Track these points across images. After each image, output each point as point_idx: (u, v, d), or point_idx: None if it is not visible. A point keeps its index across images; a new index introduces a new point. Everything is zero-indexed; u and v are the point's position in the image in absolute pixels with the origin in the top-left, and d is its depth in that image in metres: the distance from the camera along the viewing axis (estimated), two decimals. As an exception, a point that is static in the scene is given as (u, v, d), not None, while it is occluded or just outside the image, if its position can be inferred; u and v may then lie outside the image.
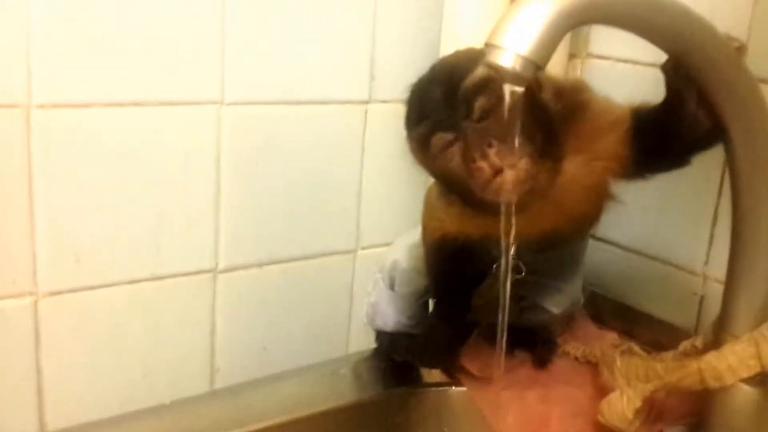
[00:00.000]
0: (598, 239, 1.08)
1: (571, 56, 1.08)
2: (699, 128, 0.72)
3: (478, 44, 0.76)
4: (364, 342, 1.08)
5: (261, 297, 1.07)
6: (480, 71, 0.67)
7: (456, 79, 0.69)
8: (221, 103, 0.97)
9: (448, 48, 1.00)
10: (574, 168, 0.74)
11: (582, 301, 0.97)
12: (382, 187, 1.14)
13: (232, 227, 1.02)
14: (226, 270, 1.03)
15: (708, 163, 0.79)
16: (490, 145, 0.67)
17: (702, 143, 0.75)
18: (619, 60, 1.02)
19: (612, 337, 0.99)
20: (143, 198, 0.95)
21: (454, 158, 0.70)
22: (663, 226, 1.03)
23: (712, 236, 0.97)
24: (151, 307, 0.99)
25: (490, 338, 0.88)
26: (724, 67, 0.70)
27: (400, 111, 0.98)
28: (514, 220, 0.67)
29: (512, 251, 0.79)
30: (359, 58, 1.06)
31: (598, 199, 0.80)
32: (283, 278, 1.08)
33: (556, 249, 0.86)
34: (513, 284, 0.81)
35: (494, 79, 0.60)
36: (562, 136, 0.71)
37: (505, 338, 0.73)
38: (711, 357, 0.75)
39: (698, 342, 0.81)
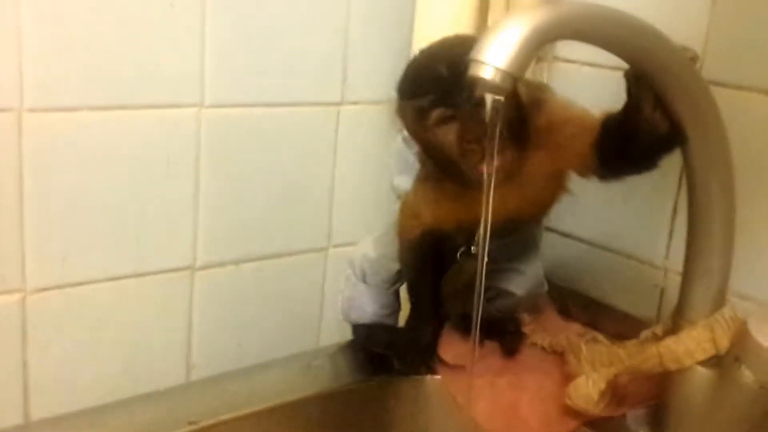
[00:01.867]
0: (563, 234, 1.12)
1: (538, 60, 1.11)
2: (658, 131, 0.76)
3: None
4: (335, 338, 1.09)
5: (236, 294, 1.09)
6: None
7: (462, 60, 0.69)
8: (201, 106, 0.98)
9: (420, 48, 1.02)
10: (535, 157, 0.79)
11: (545, 285, 0.99)
12: (353, 187, 1.16)
13: (210, 226, 1.04)
14: (204, 267, 1.06)
15: (667, 161, 0.81)
16: (485, 132, 0.70)
17: (662, 146, 0.78)
18: (584, 63, 1.05)
19: (577, 327, 1.02)
20: (126, 198, 0.97)
21: (449, 133, 0.75)
22: (625, 221, 1.05)
23: (671, 230, 0.99)
24: (132, 303, 1.01)
25: (461, 328, 0.97)
26: (679, 74, 0.75)
27: (371, 112, 1.13)
28: (491, 199, 0.72)
29: (476, 238, 0.85)
30: (332, 60, 1.08)
31: (555, 188, 0.86)
32: (258, 275, 1.11)
33: (514, 235, 0.91)
34: (476, 273, 0.84)
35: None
36: (529, 127, 0.77)
37: (478, 325, 0.77)
38: (670, 341, 0.78)
39: (658, 330, 0.84)
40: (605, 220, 1.07)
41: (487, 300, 0.91)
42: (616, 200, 1.05)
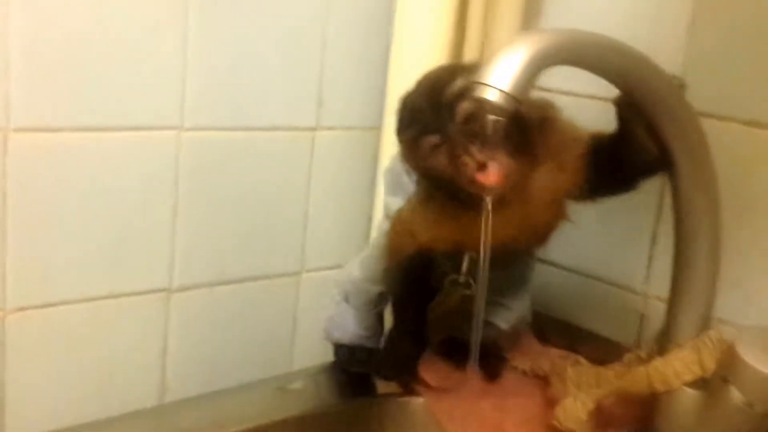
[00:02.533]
0: (542, 261, 1.11)
1: None
2: (647, 155, 0.78)
3: (440, 64, 0.87)
4: (307, 362, 1.09)
5: (211, 317, 1.09)
6: (460, 81, 0.75)
7: (439, 88, 0.75)
8: (181, 129, 0.99)
9: (396, 75, 1.06)
10: (541, 178, 0.79)
11: (529, 318, 1.00)
12: (328, 212, 1.17)
13: (187, 248, 1.04)
14: (180, 290, 1.05)
15: (646, 186, 0.83)
16: (473, 143, 0.72)
17: (649, 169, 0.81)
18: (560, 92, 1.03)
19: (557, 352, 1.01)
20: (106, 219, 0.97)
21: (441, 157, 0.75)
22: (604, 246, 1.05)
23: (651, 256, 0.99)
24: (109, 324, 1.01)
25: (444, 351, 0.97)
26: (668, 101, 0.77)
27: (346, 138, 1.15)
28: (490, 220, 0.73)
29: (464, 267, 0.87)
30: (307, 85, 1.09)
31: (555, 214, 0.85)
32: (233, 299, 1.11)
33: (507, 268, 0.91)
34: (463, 301, 0.88)
35: (474, 88, 0.65)
36: (536, 141, 0.77)
37: (477, 346, 0.79)
38: (658, 363, 0.79)
39: (642, 353, 0.85)
40: (582, 246, 1.06)
41: (470, 327, 0.88)
42: (593, 225, 1.03)
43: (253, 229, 1.10)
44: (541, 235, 0.87)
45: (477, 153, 0.72)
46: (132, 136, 0.96)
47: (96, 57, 0.91)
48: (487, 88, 0.64)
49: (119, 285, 1.00)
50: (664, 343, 0.82)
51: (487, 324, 0.93)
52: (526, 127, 0.75)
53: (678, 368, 0.79)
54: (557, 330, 1.07)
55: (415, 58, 1.03)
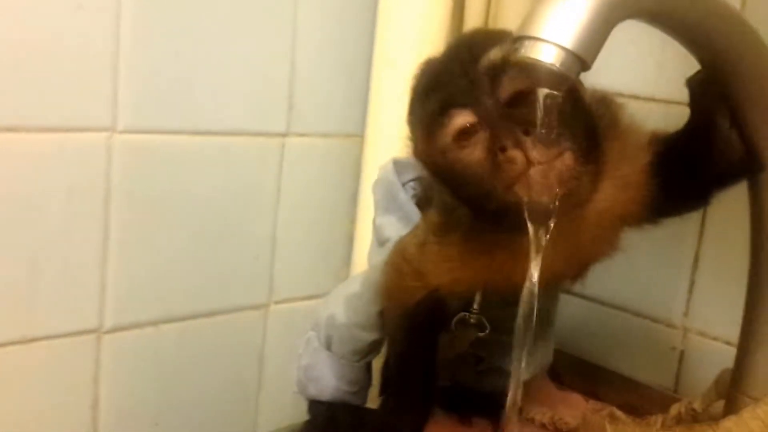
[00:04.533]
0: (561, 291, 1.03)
1: None
2: (732, 155, 0.65)
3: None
4: (276, 418, 1.06)
5: (154, 362, 1.00)
6: (506, 47, 0.56)
7: (478, 52, 0.58)
8: (113, 131, 0.91)
9: (380, 73, 1.00)
10: (601, 198, 0.63)
11: (550, 361, 0.88)
12: (300, 232, 1.09)
13: (122, 278, 0.96)
14: (113, 330, 0.96)
15: None
16: (526, 132, 0.56)
17: (732, 173, 0.67)
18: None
19: (577, 399, 0.92)
20: (14, 242, 0.88)
21: (475, 148, 0.59)
22: (634, 272, 0.97)
23: (692, 283, 0.92)
24: (23, 374, 0.91)
25: (447, 404, 0.84)
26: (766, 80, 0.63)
27: (322, 146, 1.08)
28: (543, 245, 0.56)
29: (476, 303, 0.75)
30: (275, 84, 1.02)
31: (611, 242, 0.69)
32: (182, 339, 1.02)
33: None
34: (472, 344, 0.78)
35: (519, 47, 0.49)
36: (602, 143, 0.61)
37: (516, 404, 0.64)
38: (730, 423, 0.68)
39: (697, 404, 0.76)
40: (609, 272, 0.93)
41: (478, 373, 0.82)
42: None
43: (209, 254, 1.02)
44: (583, 265, 0.72)
45: (530, 146, 0.55)
46: (51, 138, 0.87)
47: (7, 41, 0.83)
48: (540, 43, 0.47)
49: (34, 327, 0.90)
50: (733, 395, 0.71)
51: (500, 371, 0.80)
52: (591, 120, 0.60)
53: (755, 429, 0.67)
54: (577, 371, 0.99)
55: (403, 51, 0.97)
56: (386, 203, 0.83)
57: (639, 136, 0.67)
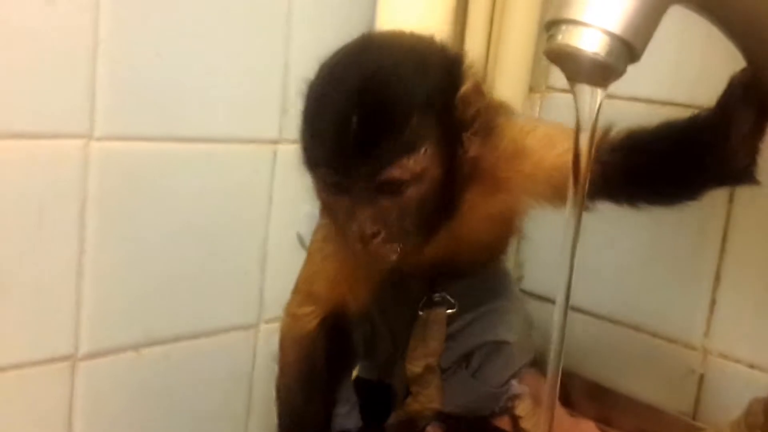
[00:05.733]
0: (573, 309, 1.04)
1: (531, 90, 1.08)
2: (736, 164, 0.67)
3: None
4: None
5: (135, 389, 0.98)
6: None
7: (351, 112, 0.65)
8: (89, 138, 0.88)
9: None
10: (474, 198, 0.73)
11: (532, 355, 0.92)
12: (293, 246, 1.05)
13: (99, 299, 0.93)
14: (90, 356, 0.93)
15: (706, 211, 0.78)
16: (376, 223, 0.66)
17: (726, 180, 0.71)
18: None
19: (589, 426, 0.92)
20: None
21: (340, 210, 0.69)
22: (649, 289, 0.98)
23: (713, 302, 0.92)
24: None
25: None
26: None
27: None
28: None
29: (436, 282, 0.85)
30: (267, 85, 1.01)
31: (500, 230, 0.82)
32: (165, 364, 1.00)
33: (471, 277, 0.86)
34: (450, 324, 0.85)
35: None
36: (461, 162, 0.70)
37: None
38: None
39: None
40: (622, 289, 1.00)
41: (486, 355, 0.89)
42: (634, 262, 0.98)
43: (193, 271, 0.99)
44: (486, 250, 0.84)
45: (367, 223, 0.66)
46: (20, 146, 0.84)
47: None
48: (581, 28, 0.44)
49: (4, 354, 0.87)
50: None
51: (494, 345, 0.89)
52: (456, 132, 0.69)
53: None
54: (589, 395, 0.99)
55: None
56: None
57: (517, 144, 0.73)
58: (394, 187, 0.65)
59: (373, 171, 0.64)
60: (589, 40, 0.43)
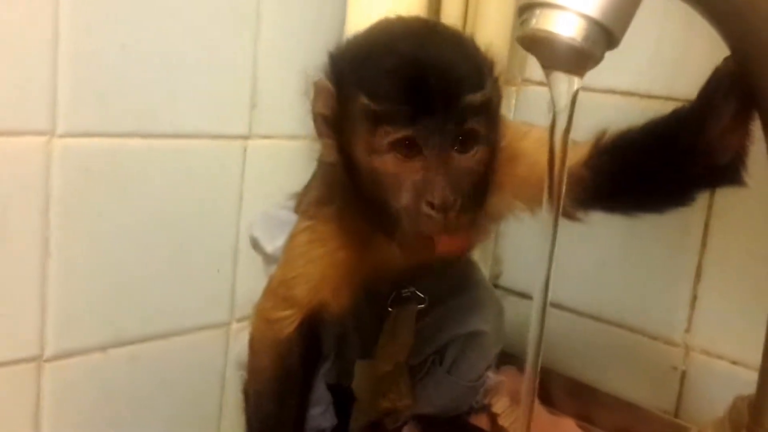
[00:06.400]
0: (553, 305, 1.00)
1: (506, 83, 1.05)
2: (718, 159, 0.65)
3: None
4: None
5: (103, 391, 0.96)
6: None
7: (432, 67, 0.63)
8: (51, 134, 0.87)
9: None
10: None
11: (501, 346, 0.92)
12: None
13: (65, 299, 0.92)
14: (56, 357, 0.92)
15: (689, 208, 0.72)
16: (463, 188, 0.64)
17: (712, 179, 0.68)
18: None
19: (568, 423, 0.92)
20: None
21: (406, 179, 0.66)
22: (630, 285, 0.98)
23: (694, 297, 0.91)
24: None
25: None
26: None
27: (287, 148, 1.05)
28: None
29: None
30: (237, 82, 1.00)
31: (474, 234, 0.81)
32: (134, 365, 0.98)
33: (441, 274, 0.86)
34: (422, 317, 0.85)
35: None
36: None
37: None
38: None
39: None
40: (604, 285, 0.99)
41: (460, 349, 0.89)
42: (616, 260, 0.97)
43: (163, 269, 0.98)
44: (452, 253, 0.83)
45: (453, 212, 0.64)
46: None
47: None
48: (557, 11, 0.43)
49: None
50: (754, 428, 0.68)
51: (471, 336, 0.89)
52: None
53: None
54: (569, 392, 0.98)
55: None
56: (272, 230, 0.87)
57: (512, 147, 0.73)
58: (470, 143, 0.64)
59: (459, 117, 0.63)
60: (565, 25, 0.42)
